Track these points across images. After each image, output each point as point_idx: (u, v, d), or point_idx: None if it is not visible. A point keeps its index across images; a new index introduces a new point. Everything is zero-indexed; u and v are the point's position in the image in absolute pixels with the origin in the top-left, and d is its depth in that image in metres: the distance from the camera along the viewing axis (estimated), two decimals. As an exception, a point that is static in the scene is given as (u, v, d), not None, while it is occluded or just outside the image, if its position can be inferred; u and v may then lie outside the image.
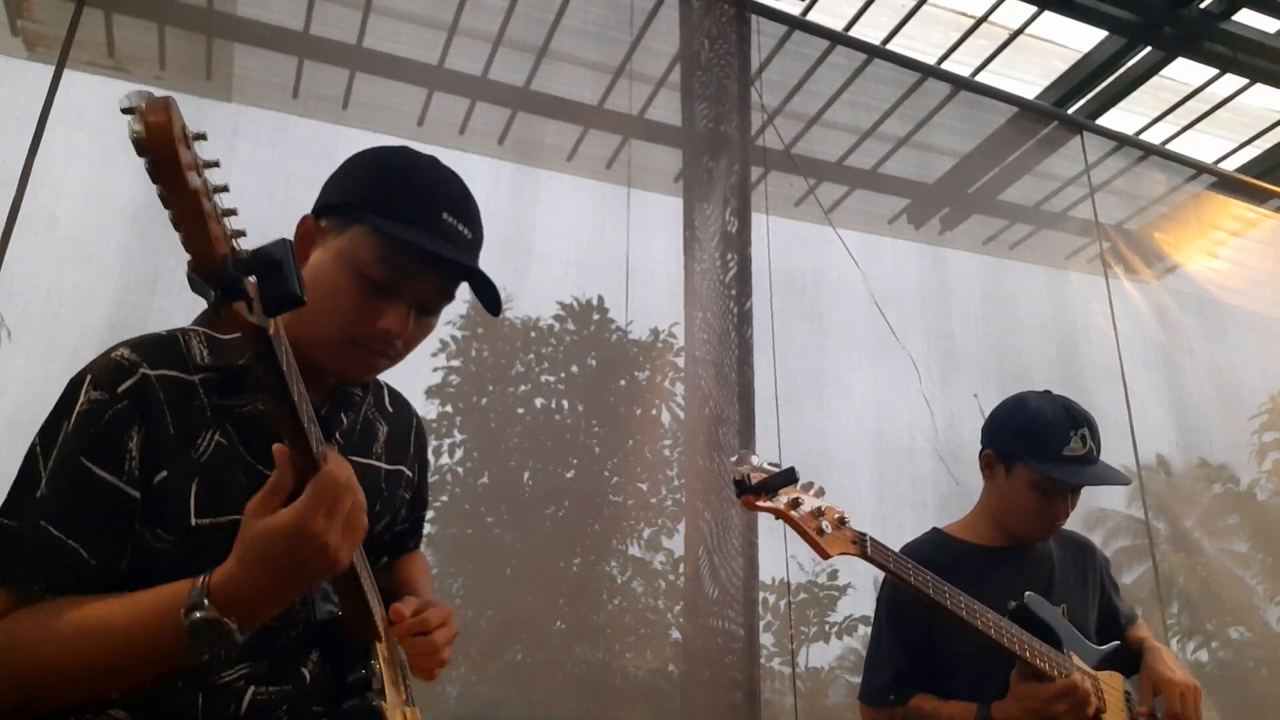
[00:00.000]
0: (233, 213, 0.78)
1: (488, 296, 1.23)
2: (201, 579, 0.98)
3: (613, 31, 4.20)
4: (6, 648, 1.01)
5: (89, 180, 3.17)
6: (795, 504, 1.62)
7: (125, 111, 0.70)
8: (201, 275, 0.78)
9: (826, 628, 4.69)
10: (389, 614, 1.24)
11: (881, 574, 1.77)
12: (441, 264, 1.18)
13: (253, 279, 0.81)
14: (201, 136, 0.75)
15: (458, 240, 1.20)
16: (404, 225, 1.15)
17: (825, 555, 1.64)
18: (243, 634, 0.97)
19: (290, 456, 0.96)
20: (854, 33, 4.65)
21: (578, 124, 4.23)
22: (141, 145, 0.70)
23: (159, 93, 0.71)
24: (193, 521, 1.10)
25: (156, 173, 0.71)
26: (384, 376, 1.41)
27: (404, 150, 1.26)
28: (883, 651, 2.02)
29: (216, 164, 0.76)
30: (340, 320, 1.16)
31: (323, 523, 0.96)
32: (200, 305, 1.24)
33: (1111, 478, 2.04)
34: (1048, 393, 2.10)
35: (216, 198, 0.76)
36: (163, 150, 0.70)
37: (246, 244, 0.81)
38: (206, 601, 0.95)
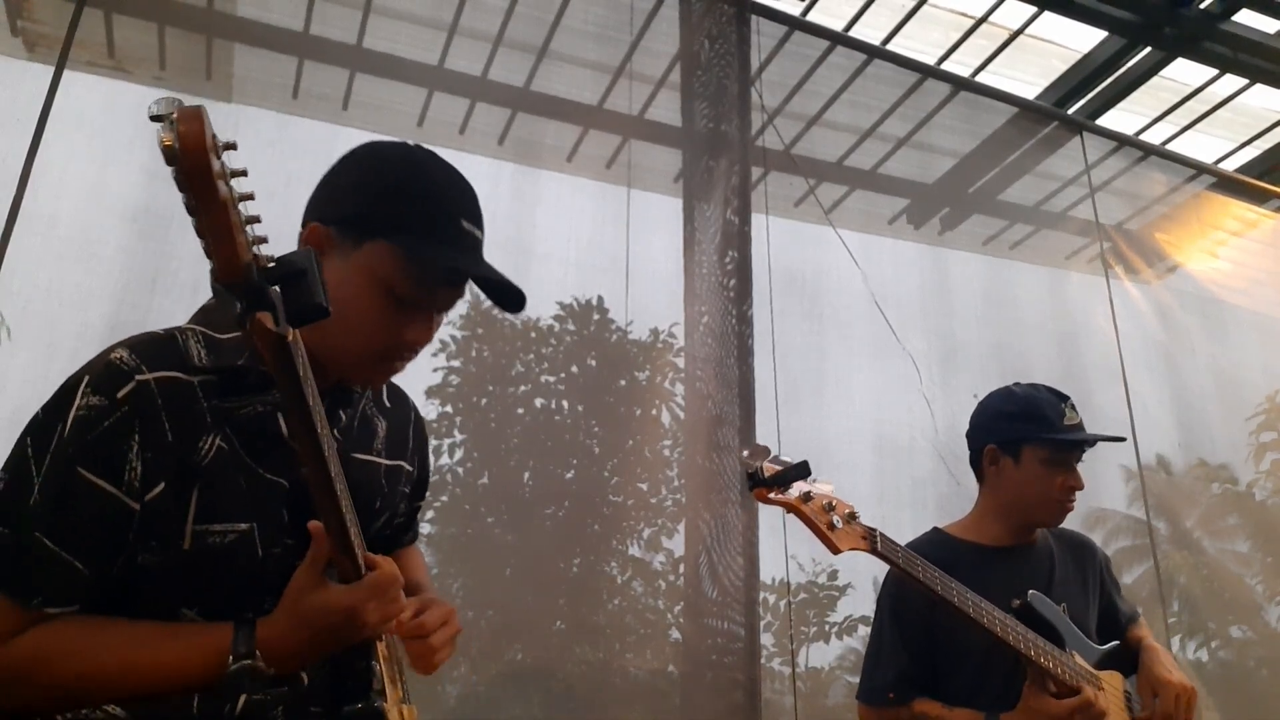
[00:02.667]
0: (256, 220, 0.77)
1: (502, 295, 1.22)
2: (244, 629, 1.06)
3: (613, 31, 4.20)
4: (39, 665, 1.04)
5: (89, 180, 3.17)
6: (807, 498, 1.62)
7: (154, 119, 0.69)
8: (225, 285, 0.77)
9: (826, 628, 4.70)
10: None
11: (881, 575, 1.77)
12: (465, 277, 1.20)
13: (276, 289, 0.80)
14: (231, 146, 0.74)
15: (475, 246, 1.21)
16: (430, 242, 1.15)
17: (836, 550, 1.64)
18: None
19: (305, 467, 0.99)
20: (854, 33, 4.65)
21: (578, 124, 4.23)
22: (173, 155, 0.69)
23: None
24: (188, 531, 1.10)
25: (187, 182, 0.70)
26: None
27: (413, 156, 1.23)
28: (883, 651, 2.02)
29: (244, 173, 0.75)
30: (367, 336, 1.17)
31: (372, 610, 1.10)
32: (196, 304, 1.24)
33: (1110, 436, 2.15)
34: (1018, 383, 2.17)
35: (241, 206, 0.76)
36: (196, 161, 0.69)
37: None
38: (259, 652, 1.05)
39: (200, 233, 0.74)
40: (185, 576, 1.10)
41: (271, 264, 0.79)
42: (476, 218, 1.23)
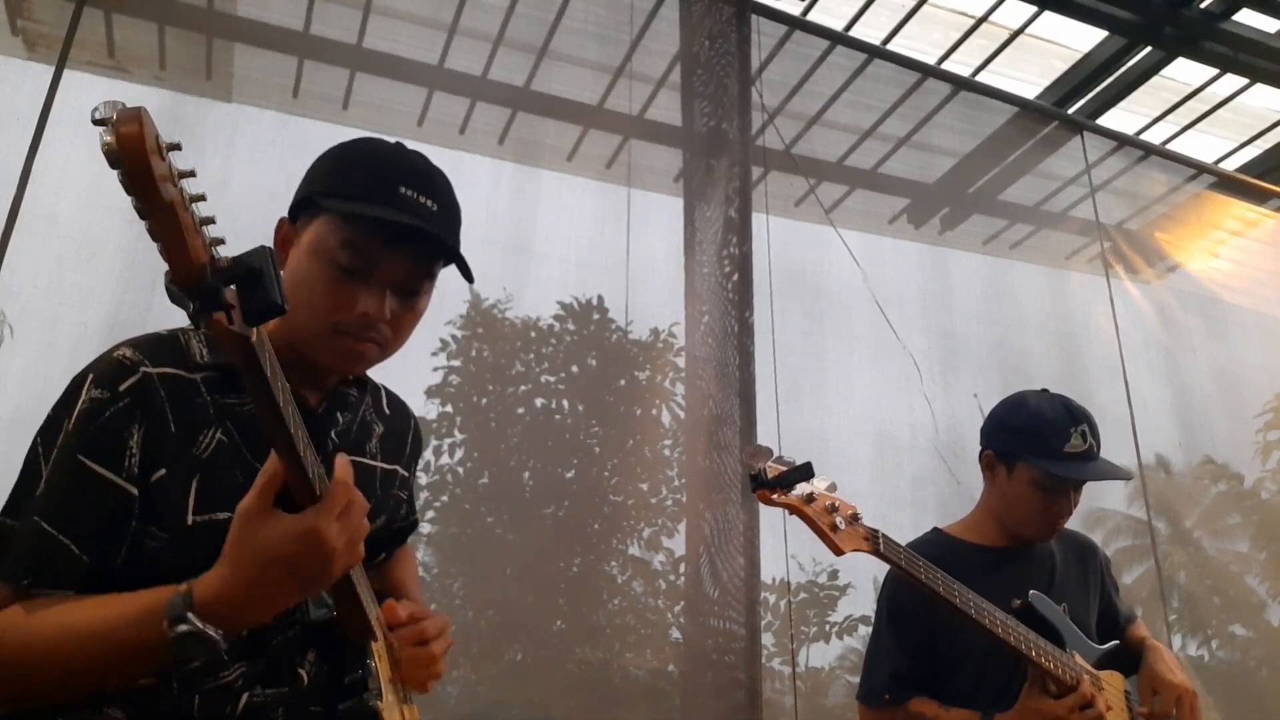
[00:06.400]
0: (211, 221, 0.77)
1: (461, 265, 1.24)
2: (185, 586, 0.97)
3: (613, 31, 4.20)
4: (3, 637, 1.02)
5: (89, 180, 3.17)
6: (809, 499, 1.61)
7: (97, 123, 0.70)
8: (180, 286, 0.77)
9: (826, 628, 4.69)
10: (383, 613, 1.24)
11: (881, 574, 1.77)
12: (403, 238, 1.17)
13: (233, 288, 0.80)
14: (176, 146, 0.74)
15: (419, 212, 1.19)
16: (360, 204, 1.16)
17: (839, 552, 1.64)
18: (226, 641, 0.96)
19: (281, 464, 0.96)
20: (854, 33, 4.65)
21: (578, 124, 4.23)
22: (114, 157, 0.70)
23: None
24: (189, 519, 1.10)
25: (130, 184, 0.71)
26: (386, 376, 1.41)
27: (363, 138, 1.27)
28: (881, 652, 2.02)
29: (192, 174, 0.75)
30: (319, 311, 1.17)
31: (335, 530, 0.97)
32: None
33: (1113, 473, 2.03)
34: (1046, 391, 2.10)
35: (194, 207, 0.76)
36: (134, 162, 0.70)
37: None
38: (190, 615, 0.95)
39: (152, 236, 0.74)
40: (185, 565, 1.09)
41: (226, 264, 0.78)
42: (424, 187, 1.21)
